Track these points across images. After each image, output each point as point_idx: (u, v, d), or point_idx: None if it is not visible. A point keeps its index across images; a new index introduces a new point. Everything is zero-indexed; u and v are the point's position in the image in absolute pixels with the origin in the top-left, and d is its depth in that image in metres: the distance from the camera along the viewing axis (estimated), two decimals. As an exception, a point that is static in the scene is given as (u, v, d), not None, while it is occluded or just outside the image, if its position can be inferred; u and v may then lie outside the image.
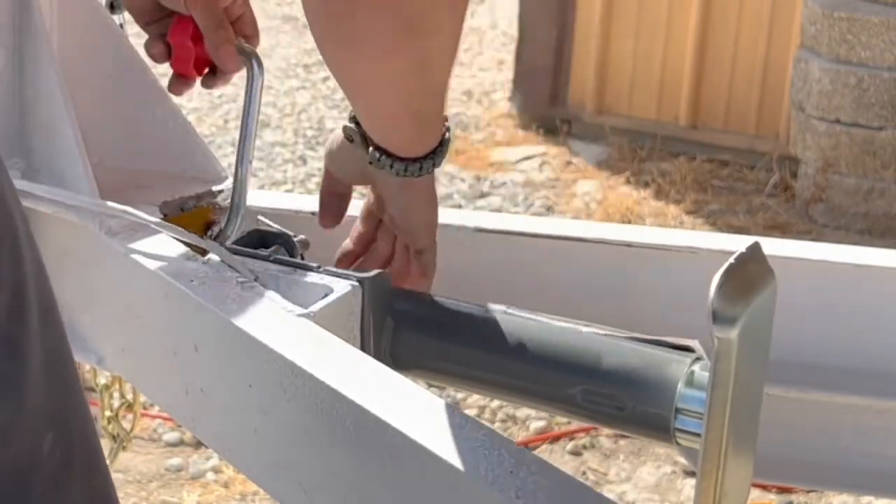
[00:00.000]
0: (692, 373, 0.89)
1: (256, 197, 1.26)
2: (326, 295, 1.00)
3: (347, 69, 0.97)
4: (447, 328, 1.02)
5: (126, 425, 1.42)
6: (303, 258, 1.10)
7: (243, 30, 1.17)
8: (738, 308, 0.75)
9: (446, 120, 1.07)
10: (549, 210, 4.27)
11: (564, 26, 4.89)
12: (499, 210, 4.20)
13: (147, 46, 1.17)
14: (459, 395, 2.96)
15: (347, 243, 1.16)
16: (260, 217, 1.12)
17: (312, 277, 1.02)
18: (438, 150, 1.06)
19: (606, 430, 2.77)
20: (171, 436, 2.84)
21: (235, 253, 1.06)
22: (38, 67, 1.18)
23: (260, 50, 1.16)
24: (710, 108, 4.67)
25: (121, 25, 1.23)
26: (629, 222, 4.06)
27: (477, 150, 4.80)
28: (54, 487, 0.77)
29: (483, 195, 4.38)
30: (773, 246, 1.14)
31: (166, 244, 1.07)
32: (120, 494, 0.88)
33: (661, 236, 1.20)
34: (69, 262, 1.20)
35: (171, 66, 1.17)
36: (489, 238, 1.20)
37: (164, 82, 1.20)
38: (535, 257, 1.20)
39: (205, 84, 1.18)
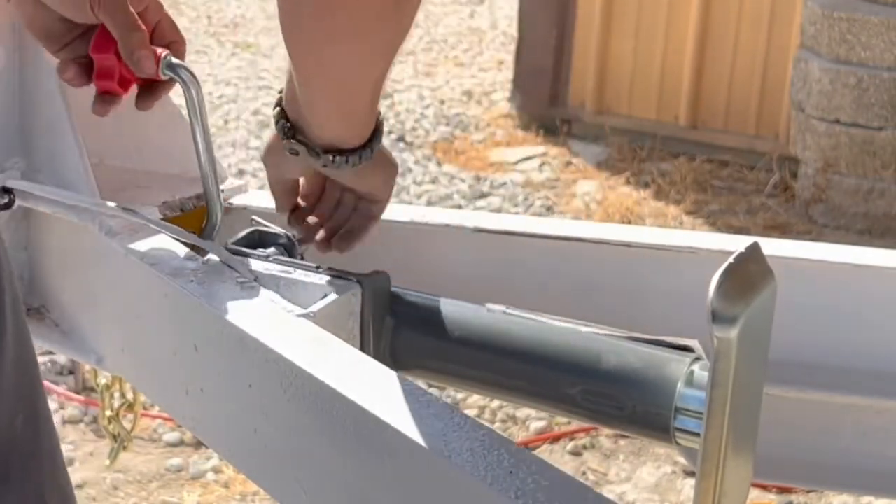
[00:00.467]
0: (692, 372, 0.89)
1: (255, 197, 1.26)
2: (326, 295, 1.01)
3: (318, 50, 0.93)
4: (447, 328, 1.02)
5: (126, 425, 1.42)
6: (302, 258, 1.10)
7: (164, 36, 1.09)
8: (737, 308, 0.75)
9: None
10: (549, 210, 4.27)
11: (564, 26, 4.89)
12: (499, 210, 4.20)
13: (60, 70, 1.07)
14: (459, 395, 2.96)
15: (298, 201, 1.15)
16: (254, 217, 1.12)
17: (312, 277, 1.03)
18: (380, 124, 1.07)
19: (606, 430, 2.77)
20: (171, 436, 2.84)
21: (235, 253, 1.06)
22: (38, 67, 1.18)
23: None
24: (710, 108, 4.67)
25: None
26: (629, 222, 4.07)
27: (477, 151, 4.80)
28: (27, 467, 0.87)
29: (483, 195, 4.38)
30: (772, 246, 1.14)
31: (166, 244, 1.07)
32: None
33: (661, 236, 1.20)
34: (69, 262, 1.20)
35: (94, 83, 1.08)
36: (489, 238, 1.20)
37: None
38: (535, 257, 1.20)
39: (139, 104, 1.10)
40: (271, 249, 1.08)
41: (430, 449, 0.79)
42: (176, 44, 1.09)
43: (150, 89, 1.10)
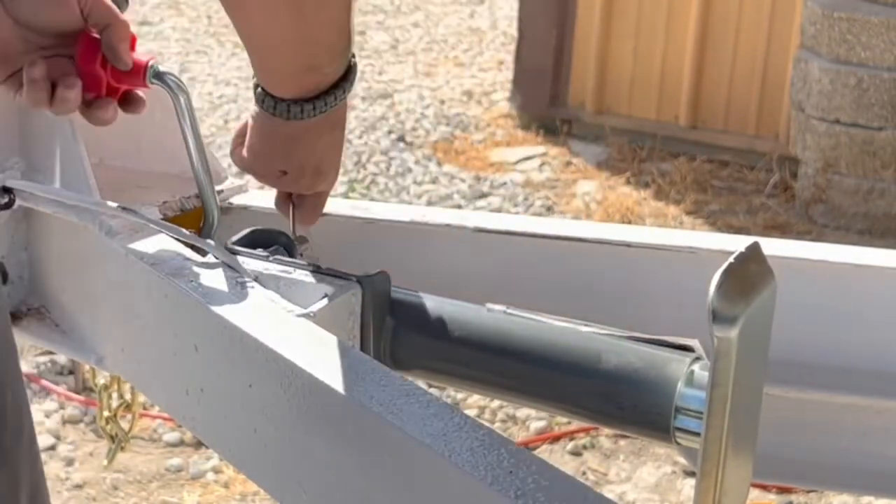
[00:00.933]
0: (692, 372, 0.89)
1: (256, 197, 1.26)
2: (326, 295, 1.00)
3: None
4: (447, 328, 1.02)
5: (124, 426, 1.42)
6: (302, 257, 1.10)
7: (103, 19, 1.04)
8: (737, 308, 0.75)
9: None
10: (549, 210, 4.27)
11: (564, 26, 4.89)
12: (499, 210, 4.20)
13: (30, 92, 1.02)
14: (459, 395, 2.96)
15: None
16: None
17: (312, 277, 1.02)
18: (349, 74, 1.09)
19: (606, 430, 2.77)
20: (171, 436, 2.84)
21: (235, 253, 1.06)
22: (38, 67, 1.18)
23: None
24: (709, 109, 4.67)
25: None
26: (629, 222, 4.07)
27: (477, 151, 4.80)
28: (13, 444, 0.93)
29: (483, 195, 4.38)
30: (773, 246, 1.14)
31: (166, 244, 1.07)
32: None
33: (661, 236, 1.20)
34: (69, 262, 1.20)
35: (83, 93, 1.04)
36: (489, 238, 1.20)
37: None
38: (535, 257, 1.20)
39: (125, 108, 1.08)
40: (271, 249, 1.08)
41: (429, 449, 0.79)
42: (112, 27, 1.03)
43: (132, 99, 1.08)
